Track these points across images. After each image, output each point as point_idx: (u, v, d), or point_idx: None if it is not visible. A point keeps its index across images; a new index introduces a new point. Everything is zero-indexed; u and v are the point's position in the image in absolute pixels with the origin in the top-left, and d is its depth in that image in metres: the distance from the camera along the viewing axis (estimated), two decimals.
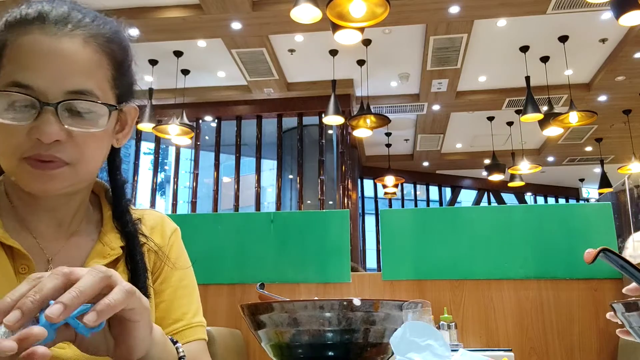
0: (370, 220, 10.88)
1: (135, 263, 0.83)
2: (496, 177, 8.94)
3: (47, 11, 0.73)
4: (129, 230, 0.85)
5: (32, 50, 0.71)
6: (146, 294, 0.81)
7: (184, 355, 0.74)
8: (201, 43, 6.92)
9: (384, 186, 9.48)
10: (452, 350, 0.73)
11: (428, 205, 11.92)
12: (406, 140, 10.21)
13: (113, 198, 0.88)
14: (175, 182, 8.52)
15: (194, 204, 8.27)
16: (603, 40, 6.68)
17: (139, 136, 8.76)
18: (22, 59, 0.71)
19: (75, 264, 0.79)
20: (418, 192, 12.09)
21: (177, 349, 0.74)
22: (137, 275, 0.82)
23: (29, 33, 0.72)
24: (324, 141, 8.28)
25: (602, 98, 8.01)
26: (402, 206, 11.87)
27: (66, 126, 0.71)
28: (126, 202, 0.87)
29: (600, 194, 9.81)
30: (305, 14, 4.03)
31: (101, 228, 0.85)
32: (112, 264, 0.82)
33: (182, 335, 0.89)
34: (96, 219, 0.87)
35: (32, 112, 0.70)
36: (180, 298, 0.91)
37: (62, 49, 0.72)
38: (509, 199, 12.76)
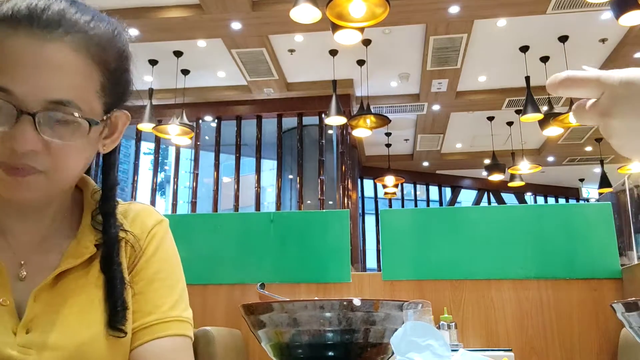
0: (370, 220, 10.88)
1: (110, 264, 0.79)
2: (496, 177, 8.94)
3: (40, 8, 0.67)
4: (110, 233, 0.81)
5: (15, 55, 0.66)
6: (122, 294, 0.78)
7: None
8: (201, 43, 6.92)
9: (384, 186, 9.48)
10: (452, 350, 0.73)
11: (428, 205, 11.92)
12: (406, 140, 10.21)
13: (101, 199, 0.83)
14: (175, 182, 8.52)
15: (194, 204, 8.27)
16: (603, 40, 6.68)
17: (139, 136, 8.76)
18: (5, 62, 0.66)
19: (48, 265, 0.77)
20: (418, 192, 12.09)
21: None
22: (113, 277, 0.79)
23: (15, 35, 0.66)
24: (323, 141, 8.28)
25: None
26: (402, 206, 11.87)
27: (44, 136, 0.67)
28: (114, 204, 0.83)
29: (600, 194, 9.81)
30: (305, 14, 4.03)
31: (79, 227, 0.82)
32: (86, 263, 0.79)
33: (150, 331, 0.80)
34: (76, 217, 0.84)
35: (9, 119, 0.66)
36: (154, 290, 0.84)
37: (48, 58, 0.67)
38: (509, 199, 12.75)
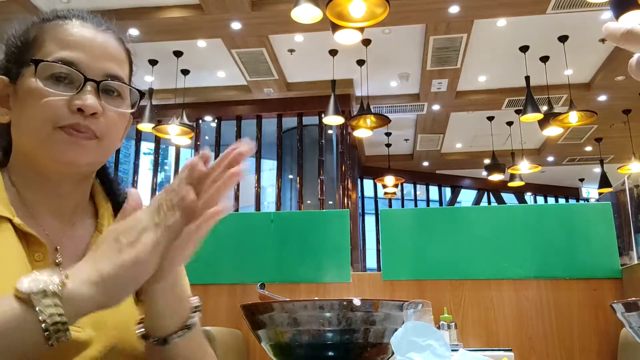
0: (370, 220, 10.88)
1: None
2: (496, 177, 8.95)
3: (82, 12, 0.85)
4: None
5: (75, 34, 0.81)
6: None
7: (199, 305, 0.77)
8: (201, 43, 6.92)
9: (384, 186, 9.48)
10: (452, 350, 0.74)
11: (428, 205, 11.92)
12: (406, 140, 10.22)
13: (111, 193, 0.92)
14: None
15: None
16: (603, 40, 6.68)
17: (139, 136, 8.76)
18: (67, 39, 0.80)
19: (78, 253, 0.82)
20: (418, 192, 12.09)
21: (195, 309, 0.76)
22: None
23: (72, 24, 0.82)
24: (323, 141, 8.28)
25: (602, 98, 8.01)
26: (402, 206, 11.87)
27: (103, 102, 0.79)
28: (124, 196, 0.89)
29: (600, 193, 9.81)
30: (306, 14, 4.03)
31: (97, 220, 0.88)
32: None
33: None
34: (92, 212, 0.89)
35: (73, 86, 0.78)
36: (182, 277, 0.92)
37: (103, 42, 0.83)
38: (509, 199, 12.75)
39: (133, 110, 0.86)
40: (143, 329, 0.74)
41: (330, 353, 0.81)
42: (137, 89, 0.86)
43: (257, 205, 8.22)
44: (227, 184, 0.66)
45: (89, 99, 0.77)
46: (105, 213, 0.89)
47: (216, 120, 8.65)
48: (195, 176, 0.65)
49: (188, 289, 0.92)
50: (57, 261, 0.79)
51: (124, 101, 0.84)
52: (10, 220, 0.76)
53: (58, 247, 0.81)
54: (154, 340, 0.72)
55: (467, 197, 13.03)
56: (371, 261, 10.81)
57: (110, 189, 0.92)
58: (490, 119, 8.95)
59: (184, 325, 0.73)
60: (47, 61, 0.77)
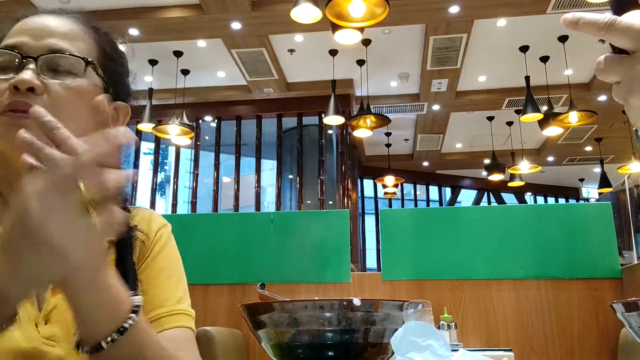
0: (370, 220, 10.88)
1: (124, 260, 0.81)
2: (496, 177, 8.95)
3: (51, 9, 0.82)
4: (123, 232, 0.83)
5: (27, 22, 0.79)
6: (134, 287, 0.80)
7: (139, 305, 0.63)
8: (201, 43, 6.92)
9: (384, 186, 9.48)
10: (452, 350, 0.74)
11: (428, 205, 11.92)
12: (406, 140, 10.21)
13: None
14: (175, 182, 8.52)
15: (193, 204, 8.26)
16: (603, 40, 6.63)
17: (139, 136, 8.75)
18: (18, 29, 0.78)
19: None
20: (418, 192, 12.08)
21: (134, 310, 0.63)
22: (126, 271, 0.80)
23: (34, 15, 0.81)
24: (323, 141, 8.28)
25: (602, 98, 8.01)
26: (402, 206, 11.87)
27: (43, 78, 0.74)
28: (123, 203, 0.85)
29: (600, 193, 9.81)
30: (305, 14, 4.03)
31: None
32: None
33: (162, 322, 0.82)
34: None
35: (16, 67, 0.74)
36: (161, 285, 0.86)
37: (53, 24, 0.79)
38: (509, 199, 12.75)
39: (81, 82, 0.77)
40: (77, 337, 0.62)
41: (330, 353, 0.81)
42: (83, 58, 0.78)
43: (257, 205, 8.22)
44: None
45: (24, 74, 0.72)
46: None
47: (216, 120, 8.65)
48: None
49: (173, 282, 0.87)
50: None
51: (80, 78, 0.77)
52: None
53: None
54: (85, 349, 0.61)
55: (467, 197, 13.03)
56: (371, 261, 10.81)
57: None
58: (490, 119, 8.95)
59: (117, 328, 0.60)
60: None
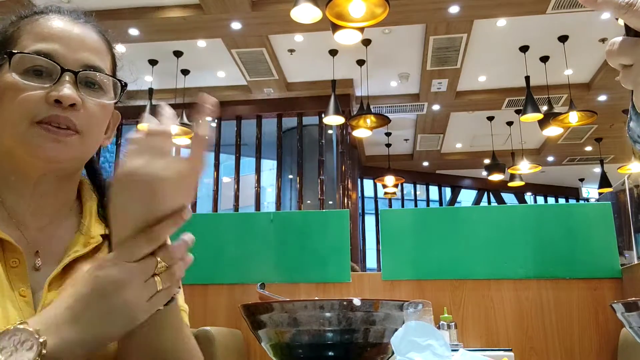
0: (370, 220, 10.88)
1: None
2: (496, 177, 8.95)
3: (60, 8, 0.83)
4: None
5: (51, 26, 0.79)
6: None
7: (173, 300, 0.71)
8: (201, 43, 6.91)
9: (384, 186, 9.48)
10: (452, 350, 0.74)
11: (428, 205, 11.92)
12: (406, 140, 10.21)
13: (99, 190, 0.88)
14: None
15: (193, 204, 8.25)
16: (603, 40, 6.68)
17: None
18: (42, 32, 0.78)
19: (58, 254, 0.79)
20: (418, 192, 12.09)
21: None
22: None
23: (49, 18, 0.80)
24: (323, 141, 8.28)
25: (602, 98, 8.01)
26: (402, 206, 11.87)
27: (82, 93, 0.77)
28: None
29: (600, 193, 9.81)
30: (305, 14, 4.03)
31: (81, 219, 0.84)
32: (93, 252, 0.81)
33: None
34: (78, 208, 0.86)
35: (51, 79, 0.75)
36: None
37: (80, 29, 0.81)
38: (509, 199, 12.75)
39: (115, 101, 0.83)
40: None
41: (330, 353, 0.81)
42: (119, 80, 0.83)
43: (257, 205, 8.22)
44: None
45: (67, 90, 0.74)
46: (89, 210, 0.85)
47: (216, 120, 8.65)
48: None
49: None
50: (36, 266, 0.76)
51: (106, 94, 0.81)
52: None
53: (38, 251, 0.78)
54: None
55: (467, 197, 13.03)
56: (371, 261, 10.81)
57: (95, 182, 0.89)
58: (490, 119, 8.95)
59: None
60: (22, 53, 0.75)
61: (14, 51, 0.75)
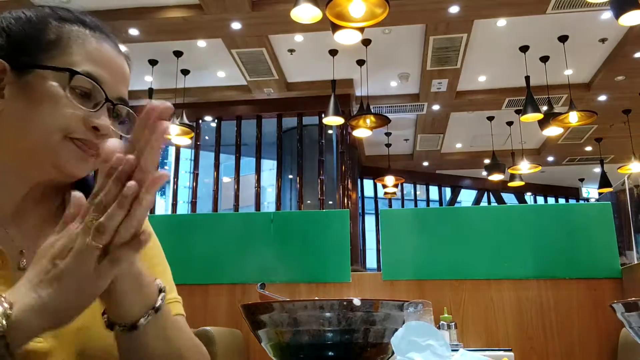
0: (370, 220, 10.88)
1: None
2: (496, 177, 8.95)
3: (100, 25, 0.85)
4: None
5: (103, 50, 0.82)
6: None
7: (164, 286, 0.73)
8: (201, 43, 6.92)
9: (384, 186, 9.48)
10: (452, 350, 0.74)
11: (428, 205, 11.92)
12: (406, 140, 10.21)
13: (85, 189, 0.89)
14: (175, 182, 8.52)
15: (193, 204, 8.26)
16: (603, 40, 6.68)
17: None
18: (93, 53, 0.80)
19: None
20: (418, 192, 12.09)
21: (160, 291, 0.72)
22: None
23: (96, 35, 0.82)
24: (323, 141, 8.28)
25: (602, 98, 8.01)
26: (402, 206, 11.87)
27: (111, 124, 0.81)
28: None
29: (600, 193, 9.81)
30: (305, 13, 4.03)
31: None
32: None
33: None
34: (63, 212, 0.87)
35: (90, 102, 0.78)
36: (152, 275, 0.88)
37: (120, 59, 0.85)
38: (509, 199, 12.76)
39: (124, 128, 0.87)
40: (106, 319, 0.70)
41: (330, 353, 0.81)
42: (135, 114, 0.85)
43: (257, 205, 8.22)
44: (155, 148, 0.65)
45: (106, 120, 0.79)
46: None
47: (216, 120, 8.65)
48: (120, 170, 0.62)
49: (160, 270, 0.91)
50: (21, 265, 0.77)
51: (124, 125, 0.86)
52: None
53: (23, 250, 0.78)
54: (121, 328, 0.68)
55: (467, 197, 13.03)
56: (371, 261, 10.81)
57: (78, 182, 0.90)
58: (490, 119, 8.95)
59: (151, 307, 0.69)
60: (81, 74, 0.77)
61: (74, 70, 0.77)
